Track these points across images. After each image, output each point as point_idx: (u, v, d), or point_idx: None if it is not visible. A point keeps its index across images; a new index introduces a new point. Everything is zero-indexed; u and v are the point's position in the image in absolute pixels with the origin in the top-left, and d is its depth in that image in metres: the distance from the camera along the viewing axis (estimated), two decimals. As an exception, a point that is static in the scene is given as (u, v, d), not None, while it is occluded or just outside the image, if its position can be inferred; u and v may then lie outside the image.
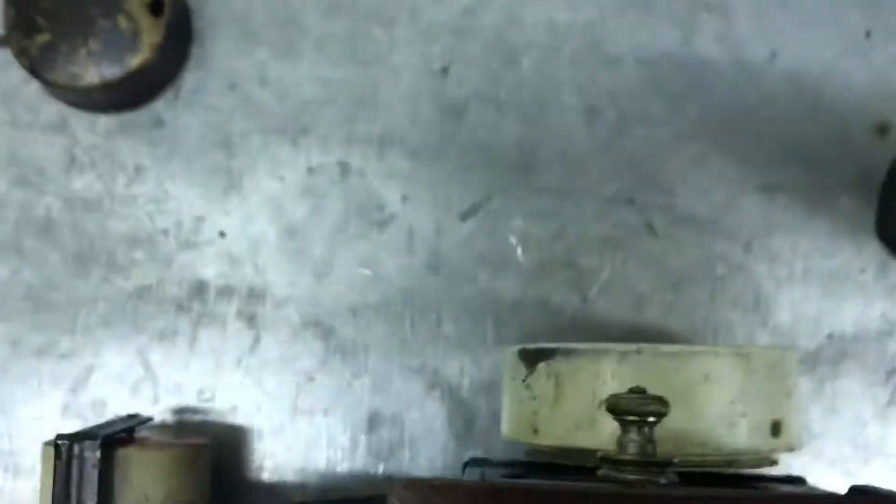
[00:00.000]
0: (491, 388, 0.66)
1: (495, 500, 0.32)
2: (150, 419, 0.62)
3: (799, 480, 0.53)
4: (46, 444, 0.57)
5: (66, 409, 0.67)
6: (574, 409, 0.49)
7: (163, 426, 0.66)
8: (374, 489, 0.66)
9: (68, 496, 0.53)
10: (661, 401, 0.40)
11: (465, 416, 0.66)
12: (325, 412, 0.67)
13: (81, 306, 0.68)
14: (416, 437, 0.67)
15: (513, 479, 0.47)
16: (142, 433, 0.60)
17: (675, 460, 0.40)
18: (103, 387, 0.68)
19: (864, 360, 0.66)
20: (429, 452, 0.66)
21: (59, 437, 0.53)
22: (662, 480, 0.39)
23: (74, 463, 0.53)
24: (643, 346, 0.48)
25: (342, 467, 0.66)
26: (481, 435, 0.66)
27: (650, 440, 0.40)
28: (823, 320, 0.67)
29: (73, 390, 0.68)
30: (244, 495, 0.66)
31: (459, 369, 0.67)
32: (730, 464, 0.48)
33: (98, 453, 0.53)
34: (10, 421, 0.67)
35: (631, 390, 0.41)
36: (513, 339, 0.66)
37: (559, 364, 0.50)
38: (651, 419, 0.40)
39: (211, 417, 0.67)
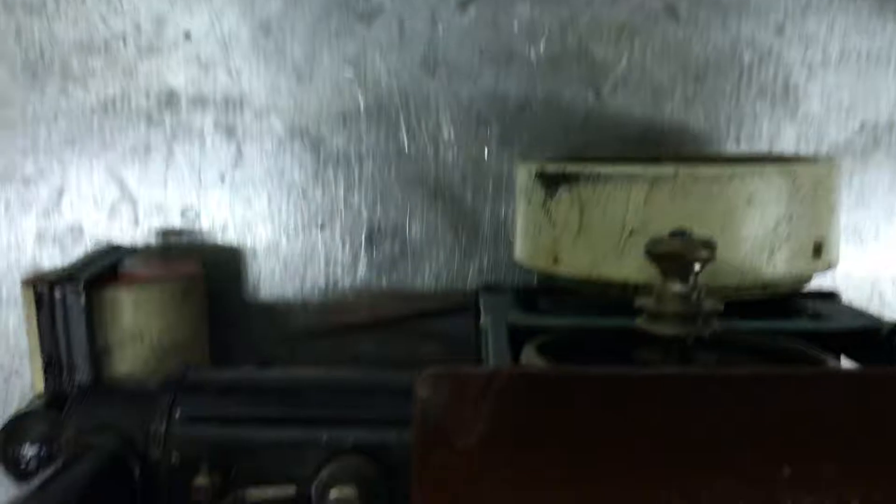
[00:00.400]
0: (496, 198, 0.62)
1: (533, 390, 0.28)
2: (133, 250, 0.58)
3: (832, 296, 0.50)
4: (25, 283, 0.52)
5: (40, 236, 0.63)
6: (600, 239, 0.44)
7: (148, 251, 0.62)
8: (377, 304, 0.63)
9: (56, 342, 0.49)
10: (709, 245, 0.36)
11: (470, 228, 0.62)
12: (321, 227, 0.63)
13: (41, 123, 0.61)
14: (418, 249, 0.63)
15: (533, 317, 0.44)
16: (127, 265, 0.56)
17: (720, 308, 0.36)
18: (78, 210, 0.63)
19: (897, 151, 0.61)
20: (433, 265, 0.63)
21: (38, 279, 0.49)
22: (706, 333, 0.36)
23: (58, 309, 0.49)
24: (680, 168, 0.43)
25: (343, 283, 0.63)
26: (487, 246, 0.62)
27: (695, 288, 0.36)
28: (857, 108, 0.61)
29: (46, 215, 0.62)
30: (242, 319, 0.63)
31: (462, 178, 0.62)
32: (765, 289, 0.45)
33: (82, 299, 0.49)
34: (-18, 251, 0.63)
35: (674, 233, 0.36)
36: (521, 143, 0.61)
37: (584, 189, 0.45)
38: (697, 267, 0.36)
39: (198, 238, 0.63)
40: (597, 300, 0.45)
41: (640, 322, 0.37)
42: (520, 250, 0.50)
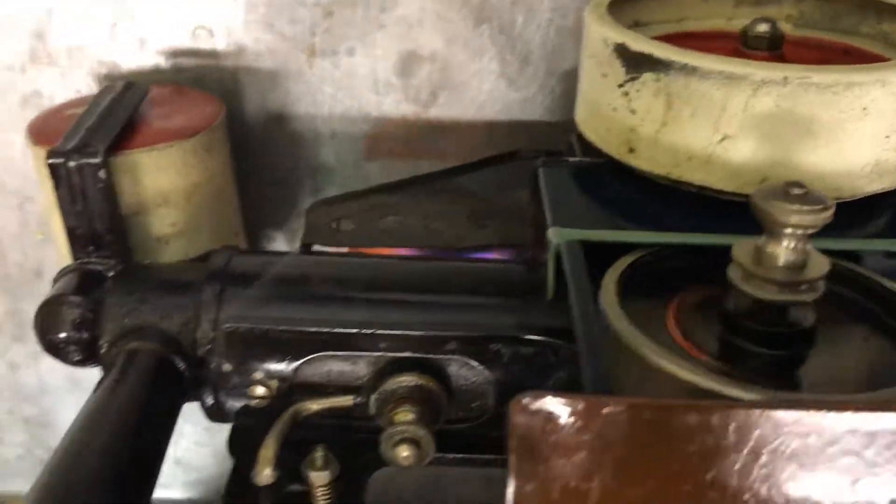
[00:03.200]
0: (550, 24, 0.54)
1: (635, 421, 0.26)
2: (145, 89, 0.51)
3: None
4: (36, 145, 0.48)
5: (34, 57, 0.56)
6: (687, 139, 0.39)
7: (162, 84, 0.55)
8: (412, 137, 0.58)
9: (79, 217, 0.45)
10: (825, 204, 0.31)
11: (519, 57, 0.56)
12: (350, 52, 0.56)
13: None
14: (460, 79, 0.57)
15: (607, 225, 0.39)
16: (142, 110, 0.50)
17: (827, 270, 0.33)
18: (73, 29, 0.55)
19: None
20: (476, 97, 0.57)
21: (53, 153, 0.44)
22: (808, 298, 0.33)
23: (75, 182, 0.44)
24: (791, 71, 0.37)
25: (377, 113, 0.58)
26: (537, 78, 0.56)
27: (803, 251, 0.32)
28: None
29: (39, 36, 0.55)
30: (267, 151, 0.58)
31: (512, 1, 0.54)
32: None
33: (102, 172, 0.44)
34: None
35: (785, 191, 0.31)
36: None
37: (674, 81, 0.39)
38: (812, 231, 0.32)
39: (213, 61, 0.56)
40: (675, 194, 0.41)
41: (731, 275, 0.34)
42: (585, 123, 0.45)
